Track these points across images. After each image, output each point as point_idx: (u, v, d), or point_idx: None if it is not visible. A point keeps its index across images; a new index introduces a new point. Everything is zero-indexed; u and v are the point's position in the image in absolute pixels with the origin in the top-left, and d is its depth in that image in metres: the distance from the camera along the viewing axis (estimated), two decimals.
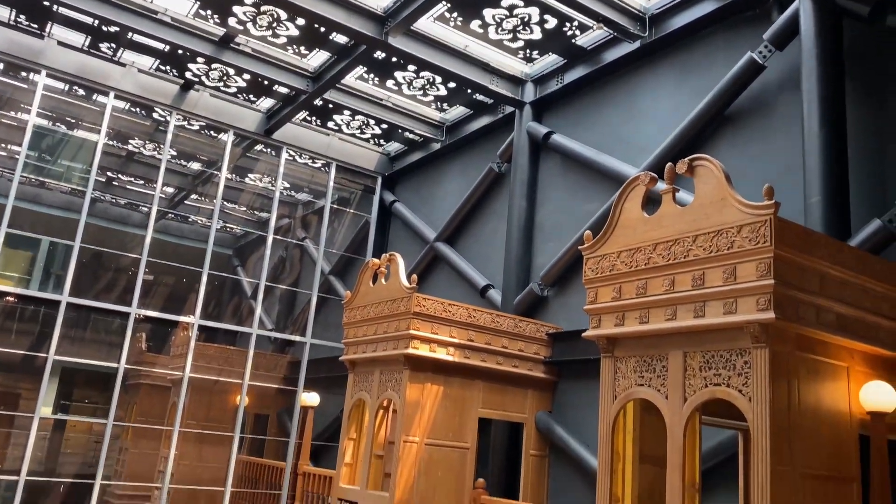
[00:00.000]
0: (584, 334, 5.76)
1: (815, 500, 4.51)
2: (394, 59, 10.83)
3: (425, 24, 10.08)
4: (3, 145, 14.27)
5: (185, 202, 17.24)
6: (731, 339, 4.73)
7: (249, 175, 15.82)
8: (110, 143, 14.46)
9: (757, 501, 4.34)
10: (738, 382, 4.63)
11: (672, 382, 5.02)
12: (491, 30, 9.91)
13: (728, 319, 4.69)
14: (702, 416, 5.14)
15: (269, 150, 14.12)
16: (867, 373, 5.06)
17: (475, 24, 9.85)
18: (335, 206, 14.53)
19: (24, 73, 11.98)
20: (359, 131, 13.71)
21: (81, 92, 12.61)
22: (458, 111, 12.69)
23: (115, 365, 11.08)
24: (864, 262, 5.15)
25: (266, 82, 12.07)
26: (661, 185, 5.38)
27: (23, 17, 11.11)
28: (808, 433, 4.60)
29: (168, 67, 12.17)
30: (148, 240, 11.77)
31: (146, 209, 14.42)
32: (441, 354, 8.18)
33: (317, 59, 11.53)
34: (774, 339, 4.55)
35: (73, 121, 13.97)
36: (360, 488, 8.19)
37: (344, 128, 13.58)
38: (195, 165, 15.69)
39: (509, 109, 11.43)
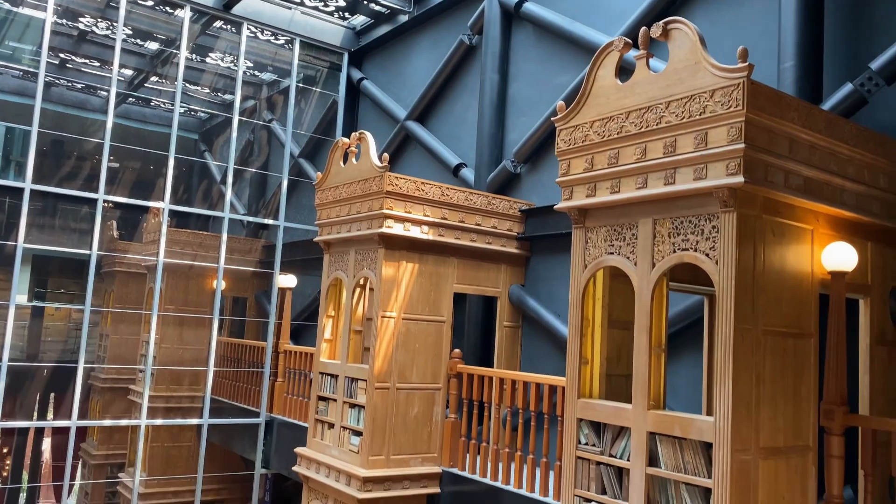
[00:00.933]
0: (555, 206, 5.80)
1: (774, 355, 4.75)
2: None
3: None
4: None
5: (146, 85, 16.60)
6: (700, 204, 4.80)
7: (210, 55, 15.17)
8: (59, 21, 13.68)
9: (720, 357, 4.56)
10: (706, 247, 4.74)
11: (641, 249, 5.12)
12: None
13: (698, 185, 4.73)
14: (669, 283, 5.29)
15: (229, 26, 13.47)
16: (830, 235, 5.19)
17: None
18: (301, 86, 14.08)
19: None
20: (322, 3, 13.09)
21: None
22: None
23: (86, 252, 10.99)
24: (834, 125, 5.16)
25: None
26: (636, 53, 5.26)
27: None
28: (771, 293, 4.77)
29: None
30: (109, 124, 11.37)
31: (105, 93, 13.87)
32: (415, 233, 8.22)
33: None
34: (742, 203, 4.62)
35: None
36: (340, 362, 8.45)
37: (306, 0, 12.95)
38: (152, 45, 14.99)
39: None
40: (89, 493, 16.37)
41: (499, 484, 7.34)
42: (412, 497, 7.95)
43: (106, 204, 11.41)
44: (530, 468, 7.11)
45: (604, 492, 5.30)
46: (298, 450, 8.80)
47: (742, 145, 4.50)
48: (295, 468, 8.79)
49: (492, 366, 9.11)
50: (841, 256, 4.90)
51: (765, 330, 4.70)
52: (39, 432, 21.16)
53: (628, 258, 5.22)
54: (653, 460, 4.98)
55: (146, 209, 12.87)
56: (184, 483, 13.23)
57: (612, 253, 5.35)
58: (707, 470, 4.63)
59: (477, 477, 7.65)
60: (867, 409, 5.45)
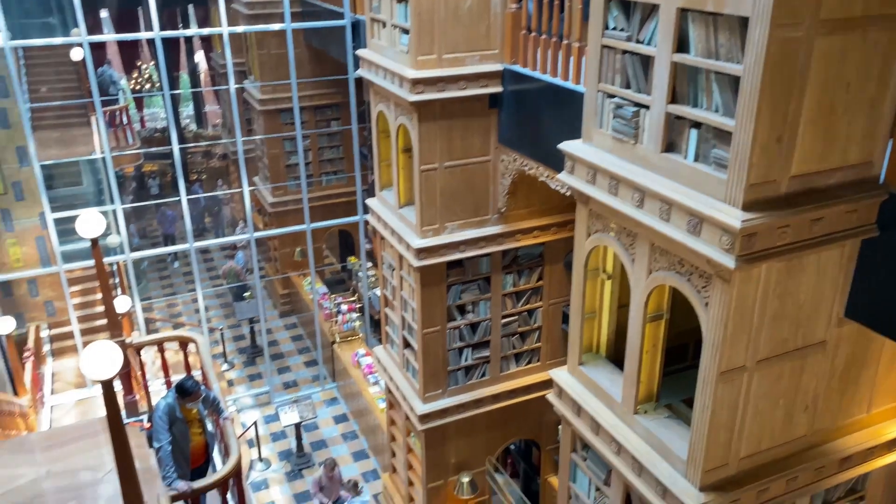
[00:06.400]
0: None
1: None
2: None
3: None
4: None
5: None
6: None
7: None
8: None
9: None
10: None
11: None
12: None
13: None
14: None
15: None
16: None
17: None
18: None
19: None
20: None
21: None
22: None
23: None
24: None
25: None
26: None
27: None
28: None
29: None
30: None
31: None
32: None
33: None
34: None
35: None
36: None
37: None
38: None
39: None
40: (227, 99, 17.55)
41: (569, 84, 6.47)
42: (472, 98, 7.41)
43: None
44: None
45: (627, 86, 4.42)
46: (358, 52, 8.32)
47: None
48: (358, 72, 8.43)
49: None
50: None
51: None
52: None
53: None
54: (682, 45, 3.93)
55: None
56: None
57: None
58: (741, 54, 3.56)
59: (543, 76, 6.81)
60: None
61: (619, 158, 4.52)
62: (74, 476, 6.57)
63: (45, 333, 12.32)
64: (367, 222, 13.15)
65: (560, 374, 5.68)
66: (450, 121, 7.44)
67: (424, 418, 8.68)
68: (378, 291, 13.99)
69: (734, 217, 3.66)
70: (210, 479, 5.18)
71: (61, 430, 9.15)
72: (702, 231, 3.87)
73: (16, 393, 9.99)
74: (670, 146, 4.16)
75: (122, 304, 9.48)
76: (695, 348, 5.50)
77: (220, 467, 5.39)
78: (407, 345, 8.95)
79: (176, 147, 11.28)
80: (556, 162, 6.80)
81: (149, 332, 12.58)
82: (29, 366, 10.33)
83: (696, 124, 3.95)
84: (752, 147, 3.56)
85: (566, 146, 4.98)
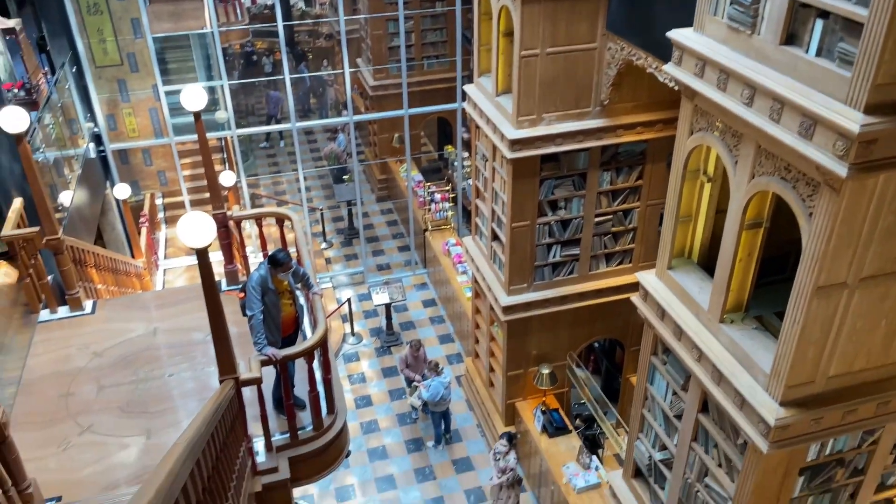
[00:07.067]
0: None
1: None
2: None
3: None
4: None
5: None
6: None
7: None
8: None
9: None
10: None
11: None
12: None
13: None
14: None
15: None
16: None
17: None
18: None
19: None
20: None
21: None
22: None
23: None
24: None
25: None
26: None
27: None
28: None
29: None
30: None
31: None
32: None
33: None
34: None
35: None
36: None
37: None
38: None
39: None
40: None
41: None
42: None
43: None
44: None
45: None
46: None
47: None
48: None
49: None
50: None
51: None
52: None
53: None
54: None
55: None
56: None
57: None
58: None
59: None
60: None
61: (732, 50, 4.14)
62: (183, 334, 7.11)
63: (159, 201, 13.09)
64: (465, 110, 12.95)
65: (646, 277, 5.53)
66: (555, 3, 7.02)
67: (508, 310, 8.78)
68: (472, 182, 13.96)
69: (853, 120, 3.31)
70: (298, 347, 5.45)
71: (173, 290, 9.88)
72: (815, 134, 3.54)
73: (132, 255, 10.78)
74: (790, 38, 3.76)
75: (226, 178, 9.87)
76: (795, 259, 5.19)
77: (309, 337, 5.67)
78: (495, 237, 8.95)
79: (280, 24, 11.28)
80: (667, 53, 6.37)
81: (254, 207, 13.14)
82: (144, 231, 11.06)
83: (824, 13, 3.54)
84: (884, 40, 3.16)
85: (674, 34, 4.62)
